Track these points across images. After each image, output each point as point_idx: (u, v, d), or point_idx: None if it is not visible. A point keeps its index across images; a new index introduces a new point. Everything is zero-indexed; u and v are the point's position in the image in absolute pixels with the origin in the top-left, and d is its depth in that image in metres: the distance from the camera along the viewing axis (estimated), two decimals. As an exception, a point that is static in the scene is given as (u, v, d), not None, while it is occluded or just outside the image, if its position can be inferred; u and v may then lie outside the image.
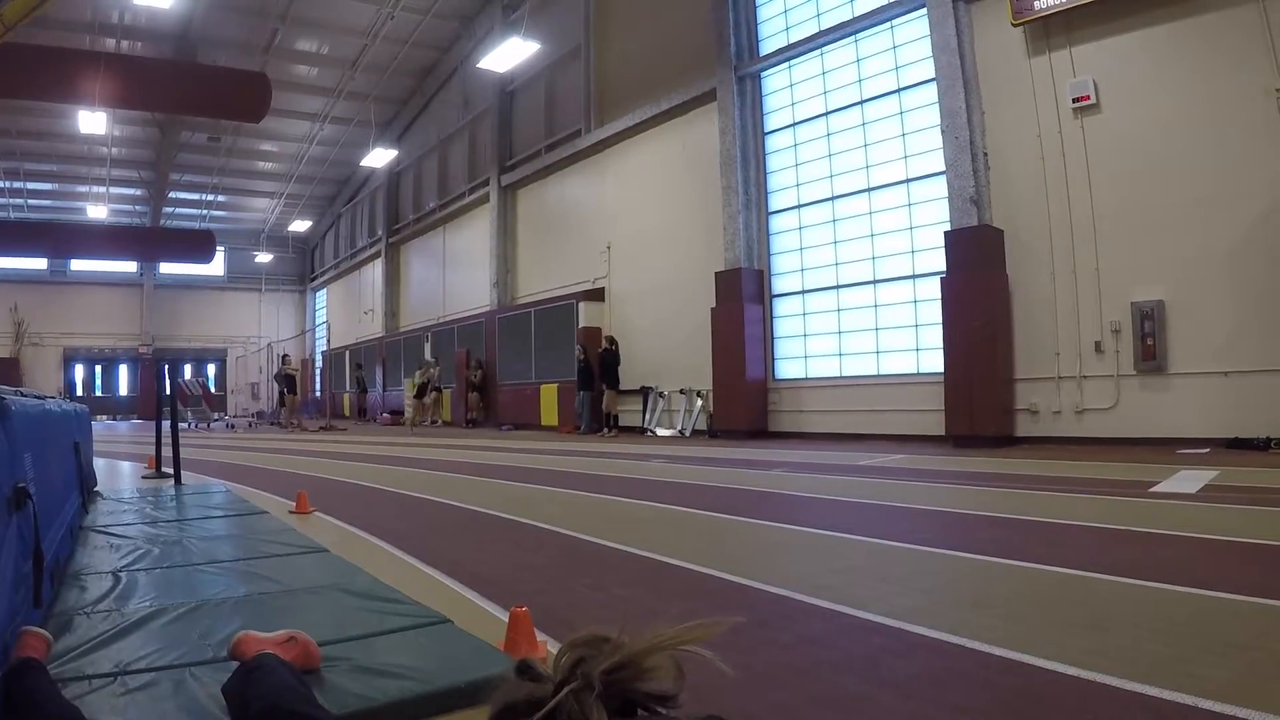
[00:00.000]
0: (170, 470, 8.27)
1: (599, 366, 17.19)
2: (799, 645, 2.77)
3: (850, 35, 13.67)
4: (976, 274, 11.33)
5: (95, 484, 6.91)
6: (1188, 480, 6.73)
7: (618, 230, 18.59)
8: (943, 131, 11.88)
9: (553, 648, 2.59)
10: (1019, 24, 11.13)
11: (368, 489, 7.88)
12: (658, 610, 3.27)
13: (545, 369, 19.95)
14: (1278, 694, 2.17)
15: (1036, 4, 10.90)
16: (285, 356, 24.72)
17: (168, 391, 9.61)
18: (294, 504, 6.27)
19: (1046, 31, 11.05)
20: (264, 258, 39.68)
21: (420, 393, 23.42)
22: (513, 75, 21.93)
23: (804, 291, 14.65)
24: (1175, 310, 10.02)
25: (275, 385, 25.72)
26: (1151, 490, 6.26)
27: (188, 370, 36.70)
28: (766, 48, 15.27)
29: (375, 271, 33.04)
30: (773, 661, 2.58)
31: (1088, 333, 10.69)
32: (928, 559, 4.21)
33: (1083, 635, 2.77)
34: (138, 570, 3.76)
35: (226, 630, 2.65)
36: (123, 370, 39.17)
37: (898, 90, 13.07)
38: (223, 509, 5.96)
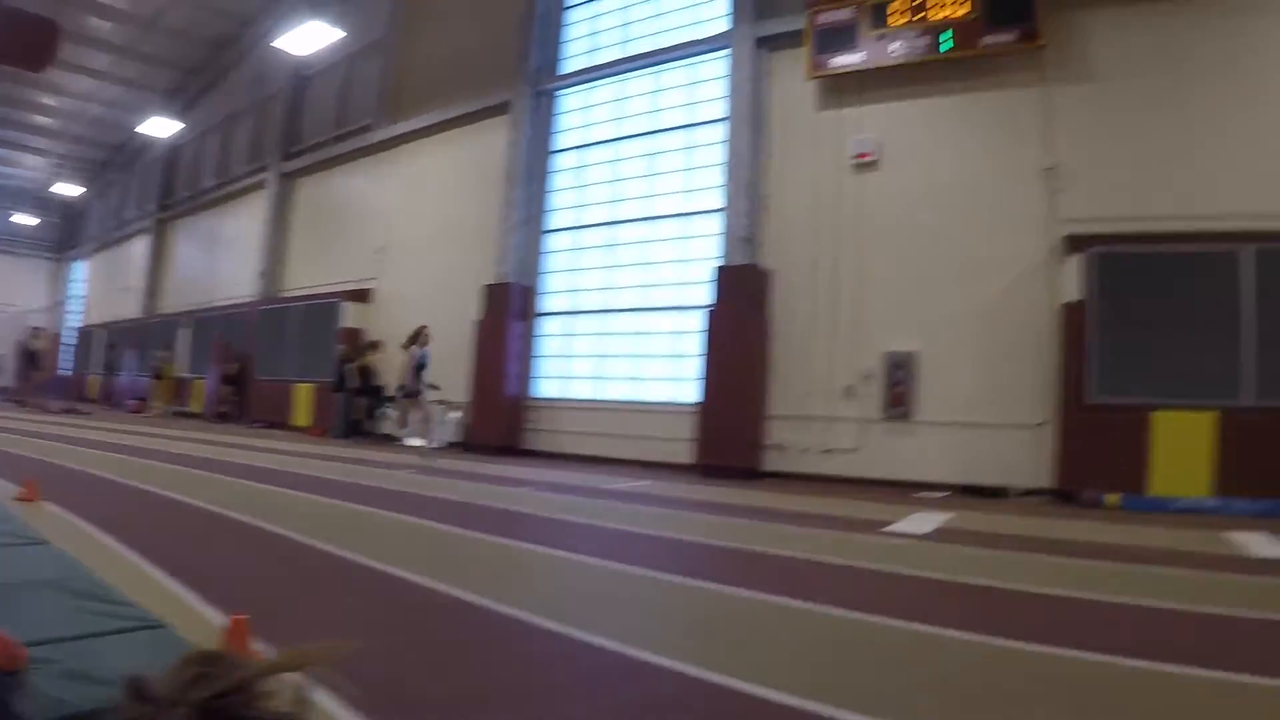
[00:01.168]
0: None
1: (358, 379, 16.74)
2: (520, 666, 2.72)
3: (652, 66, 13.86)
4: (740, 310, 11.62)
5: None
6: (921, 521, 7.08)
7: (394, 232, 18.02)
8: (726, 170, 12.19)
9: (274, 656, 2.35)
10: (813, 78, 11.60)
11: (103, 480, 7.35)
12: (384, 623, 3.20)
13: (304, 367, 18.95)
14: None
15: (831, 62, 11.38)
16: (35, 329, 22.63)
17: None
18: (20, 490, 5.68)
19: (838, 88, 11.57)
20: (25, 219, 35.97)
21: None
22: (310, 60, 20.93)
23: (572, 312, 14.68)
24: (926, 362, 10.64)
25: (15, 359, 23.48)
26: (884, 529, 6.53)
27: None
28: (567, 67, 15.28)
29: (141, 248, 30.59)
30: (491, 681, 2.52)
31: (841, 377, 11.15)
32: (661, 585, 4.23)
33: (801, 665, 2.82)
34: None
35: (-73, 626, 2.28)
36: None
37: (688, 125, 13.35)
38: (-62, 492, 5.38)
